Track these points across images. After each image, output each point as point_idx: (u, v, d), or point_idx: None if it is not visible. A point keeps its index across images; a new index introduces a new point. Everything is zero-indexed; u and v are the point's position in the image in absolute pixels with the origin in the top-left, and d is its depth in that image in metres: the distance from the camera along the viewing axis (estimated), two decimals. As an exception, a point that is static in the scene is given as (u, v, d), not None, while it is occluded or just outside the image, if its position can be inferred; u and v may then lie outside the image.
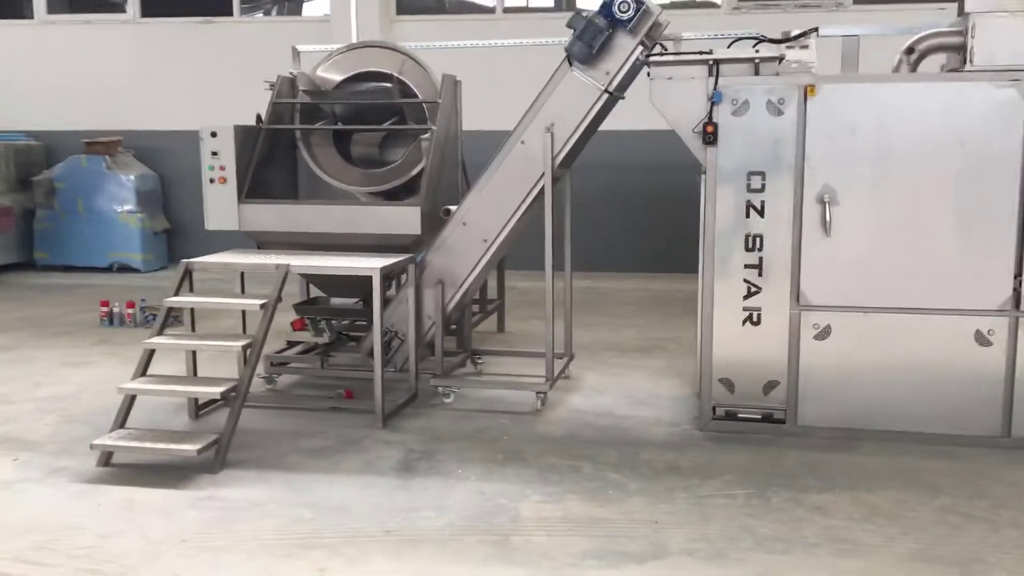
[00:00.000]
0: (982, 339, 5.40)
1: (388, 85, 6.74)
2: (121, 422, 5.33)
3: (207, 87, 12.68)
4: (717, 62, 5.51)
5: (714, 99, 5.46)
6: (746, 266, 5.59)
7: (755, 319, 5.61)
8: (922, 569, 3.98)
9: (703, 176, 5.62)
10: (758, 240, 5.55)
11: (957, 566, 4.01)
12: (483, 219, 6.25)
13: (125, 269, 12.35)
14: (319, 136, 6.96)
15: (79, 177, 12.34)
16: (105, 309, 8.93)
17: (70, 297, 10.55)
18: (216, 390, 5.25)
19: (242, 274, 6.58)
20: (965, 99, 5.25)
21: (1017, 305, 5.34)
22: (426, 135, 6.57)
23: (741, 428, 5.71)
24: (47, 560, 4.08)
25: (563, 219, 6.71)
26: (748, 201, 5.53)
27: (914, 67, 5.64)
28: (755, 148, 5.49)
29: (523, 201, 6.17)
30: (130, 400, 5.40)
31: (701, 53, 5.61)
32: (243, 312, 6.48)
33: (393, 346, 6.49)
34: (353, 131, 6.88)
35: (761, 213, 5.53)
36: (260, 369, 6.83)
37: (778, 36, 5.73)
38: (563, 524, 4.44)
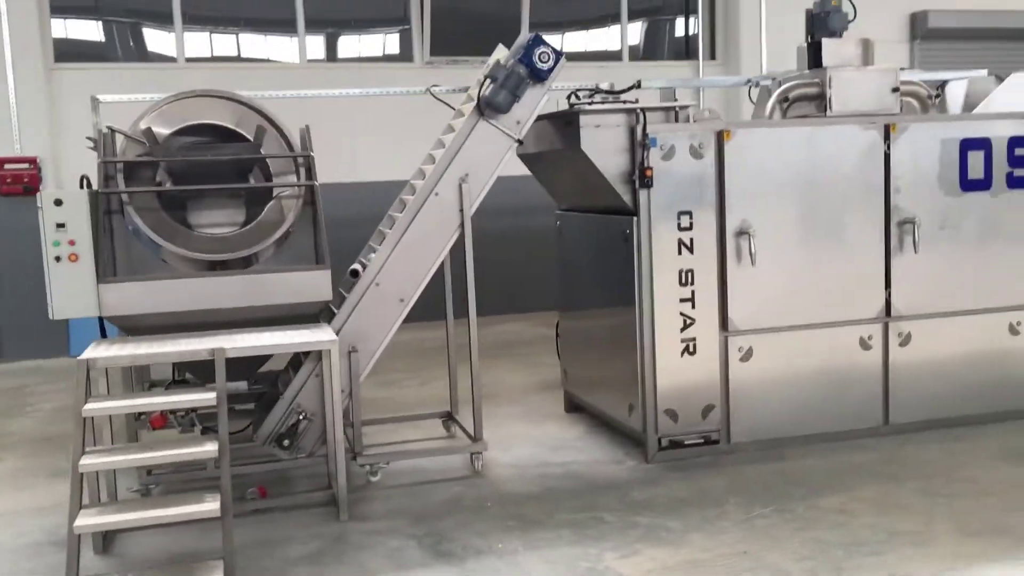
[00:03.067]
0: (864, 344, 6.25)
1: (231, 142, 5.98)
2: (75, 569, 4.17)
3: None
4: (644, 110, 5.78)
5: (650, 144, 5.73)
6: (681, 300, 5.90)
7: (692, 349, 5.94)
8: (986, 543, 4.58)
9: (635, 218, 5.83)
10: (690, 275, 5.90)
11: (1001, 535, 4.67)
12: (398, 277, 5.82)
13: None
14: (145, 200, 5.97)
15: None
16: None
17: None
18: (210, 507, 4.31)
19: (106, 370, 5.43)
20: (842, 140, 6.08)
21: (888, 312, 6.28)
22: (286, 192, 5.99)
23: (683, 455, 6.00)
24: None
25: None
26: (679, 239, 5.86)
27: (785, 112, 6.40)
28: (682, 189, 5.85)
29: (440, 255, 5.89)
30: (78, 540, 4.25)
31: (625, 103, 5.86)
32: (109, 417, 5.34)
33: (301, 428, 5.78)
34: (224, 191, 5.97)
35: (691, 249, 5.89)
36: (133, 483, 5.72)
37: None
38: (671, 573, 4.37)
